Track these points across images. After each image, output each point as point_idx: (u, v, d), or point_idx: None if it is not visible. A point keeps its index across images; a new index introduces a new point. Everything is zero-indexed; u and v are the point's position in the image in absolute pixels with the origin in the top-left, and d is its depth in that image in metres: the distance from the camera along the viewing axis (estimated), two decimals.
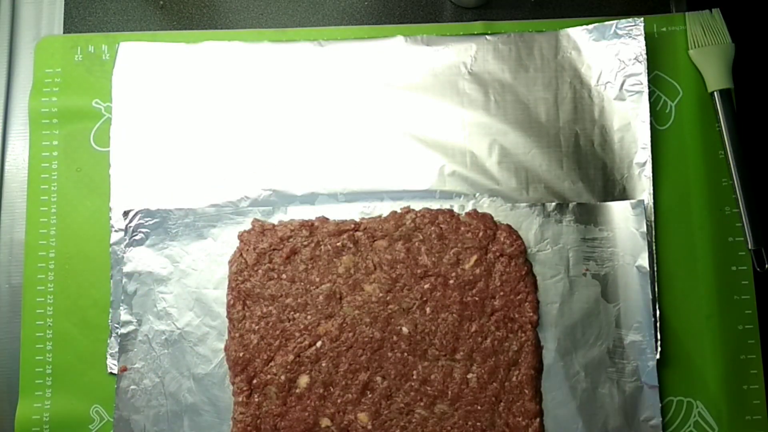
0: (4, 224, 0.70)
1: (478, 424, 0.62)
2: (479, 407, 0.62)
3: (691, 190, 0.68)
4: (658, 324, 0.65)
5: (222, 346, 0.64)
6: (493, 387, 0.62)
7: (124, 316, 0.65)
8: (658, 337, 0.64)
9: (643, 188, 0.67)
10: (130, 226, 0.67)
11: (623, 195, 0.67)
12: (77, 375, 0.66)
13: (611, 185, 0.68)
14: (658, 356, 0.64)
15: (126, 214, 0.67)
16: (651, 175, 0.67)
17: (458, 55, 0.71)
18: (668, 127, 0.70)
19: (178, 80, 0.71)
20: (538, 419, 0.62)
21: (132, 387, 0.64)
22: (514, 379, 0.63)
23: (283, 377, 0.63)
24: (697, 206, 0.68)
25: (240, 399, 0.62)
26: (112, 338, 0.66)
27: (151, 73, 0.71)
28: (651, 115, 0.68)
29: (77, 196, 0.69)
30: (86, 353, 0.66)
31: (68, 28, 0.74)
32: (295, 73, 0.70)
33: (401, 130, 0.69)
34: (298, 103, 0.70)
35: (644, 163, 0.68)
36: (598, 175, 0.68)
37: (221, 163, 0.69)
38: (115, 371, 0.64)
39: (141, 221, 0.67)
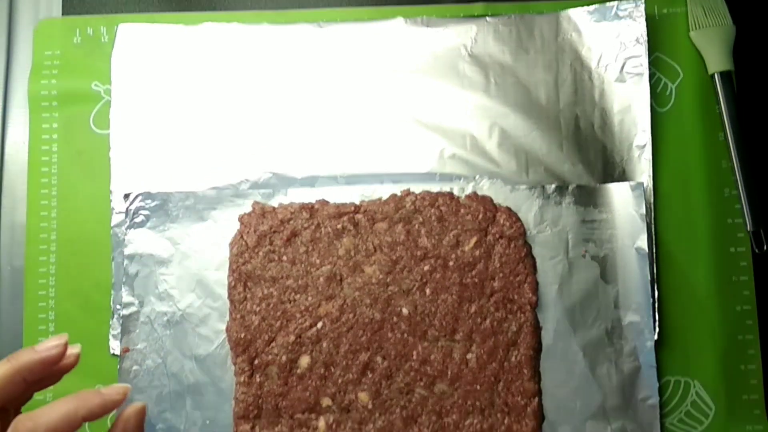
0: (5, 207, 0.70)
1: (477, 403, 0.62)
2: (478, 387, 0.63)
3: (690, 172, 0.68)
4: (656, 305, 0.65)
5: (223, 327, 0.65)
6: (492, 367, 0.63)
7: (126, 297, 0.66)
8: (656, 317, 0.65)
9: (643, 170, 0.67)
10: (131, 209, 0.67)
11: (623, 177, 0.67)
12: (80, 356, 0.66)
13: (611, 167, 0.68)
14: (656, 337, 0.64)
15: (126, 196, 0.67)
16: (651, 157, 0.67)
17: (458, 36, 0.71)
18: (668, 109, 0.70)
19: (178, 62, 0.71)
20: (536, 398, 0.62)
21: (134, 367, 0.64)
22: (513, 359, 0.63)
23: (284, 358, 0.63)
24: (697, 188, 0.68)
25: (242, 379, 0.63)
26: (114, 319, 0.66)
27: (150, 55, 0.71)
28: (651, 98, 0.68)
29: (78, 178, 0.69)
30: (89, 334, 0.66)
31: (66, 11, 0.74)
32: (295, 55, 0.70)
33: (401, 112, 0.69)
34: (297, 85, 0.70)
35: (644, 146, 0.68)
36: (598, 158, 0.68)
37: (221, 145, 0.69)
38: (118, 352, 0.65)
39: (141, 204, 0.67)
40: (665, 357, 0.65)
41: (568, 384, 0.63)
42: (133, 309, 0.65)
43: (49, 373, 0.50)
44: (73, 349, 0.50)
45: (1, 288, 0.69)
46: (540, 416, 0.62)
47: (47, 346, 0.49)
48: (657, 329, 0.64)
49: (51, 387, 0.64)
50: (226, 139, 0.69)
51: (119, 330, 0.65)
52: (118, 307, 0.66)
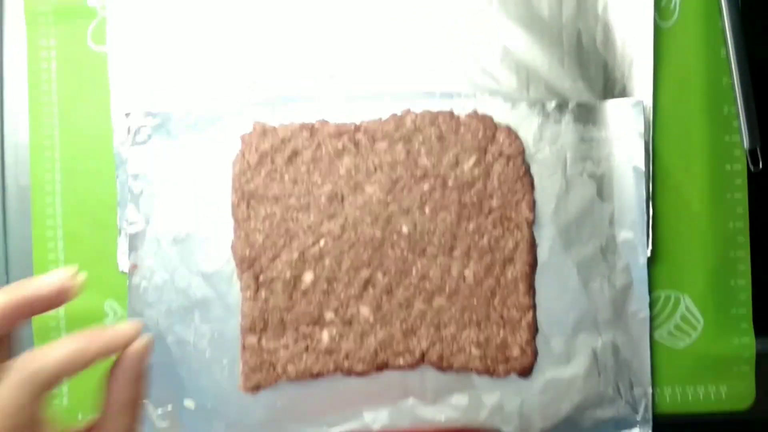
0: (7, 127, 0.70)
1: (474, 316, 0.65)
2: (475, 301, 0.65)
3: (690, 89, 0.68)
4: (650, 222, 0.66)
5: (228, 244, 0.66)
6: (488, 282, 0.65)
7: (132, 215, 0.67)
8: (650, 234, 0.66)
9: (644, 87, 0.67)
10: (132, 127, 0.67)
11: (623, 94, 0.67)
12: (89, 273, 0.65)
13: (611, 84, 0.68)
14: (649, 254, 0.66)
15: (127, 115, 0.67)
16: (652, 74, 0.67)
17: None
18: (672, 24, 0.69)
19: None
20: (531, 312, 0.65)
21: (143, 283, 0.66)
22: (509, 275, 0.65)
23: (288, 274, 0.65)
24: (696, 105, 0.68)
25: (247, 294, 0.65)
26: (122, 237, 0.68)
27: None
28: (655, 11, 0.67)
29: (78, 96, 0.69)
30: (97, 251, 0.68)
31: None
32: None
33: (400, 29, 0.68)
34: (294, 2, 0.69)
35: (646, 62, 0.67)
36: (599, 74, 0.68)
37: (221, 62, 0.68)
38: (127, 269, 0.67)
39: (143, 122, 0.67)
40: (657, 272, 0.67)
41: (562, 298, 0.66)
42: (139, 227, 0.67)
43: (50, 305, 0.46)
44: (77, 279, 0.46)
45: (8, 206, 0.70)
46: (534, 329, 0.65)
47: (51, 281, 0.45)
48: (650, 246, 0.66)
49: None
50: (227, 56, 0.68)
51: (127, 247, 0.67)
52: (124, 224, 0.67)
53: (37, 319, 0.67)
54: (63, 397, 0.68)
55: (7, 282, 0.69)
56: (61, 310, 0.68)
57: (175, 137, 0.67)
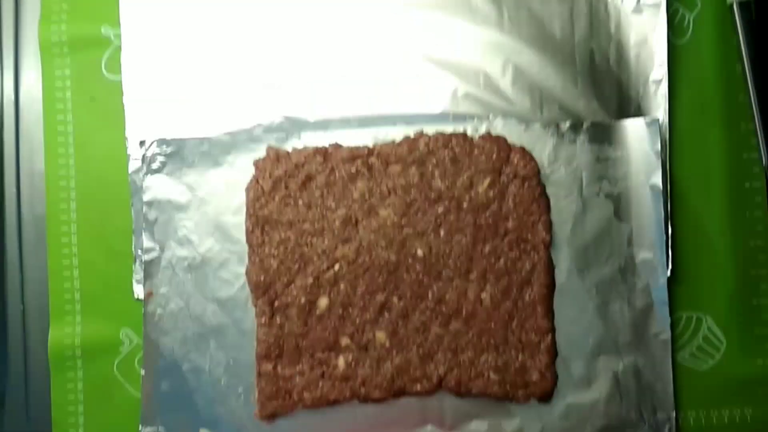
0: (23, 156, 0.71)
1: (492, 340, 0.64)
2: (492, 325, 0.64)
3: (707, 107, 0.68)
4: (669, 242, 0.65)
5: (243, 270, 0.66)
6: (506, 305, 0.64)
7: (147, 243, 0.67)
8: (670, 254, 0.65)
9: (659, 105, 0.67)
10: (147, 155, 0.67)
11: (638, 113, 0.67)
12: (105, 300, 0.68)
13: (626, 103, 0.67)
14: (669, 273, 0.65)
15: (142, 143, 0.68)
16: (667, 92, 0.67)
17: None
18: (686, 41, 0.68)
19: (188, 3, 0.69)
20: (550, 335, 0.64)
21: (159, 311, 0.66)
22: (526, 297, 0.64)
23: (303, 299, 0.65)
24: (713, 123, 0.68)
25: (262, 320, 0.65)
26: (137, 264, 0.67)
27: None
28: (668, 29, 0.67)
29: (93, 125, 0.70)
30: (112, 279, 0.68)
31: None
32: None
33: (413, 51, 0.68)
34: (308, 26, 0.69)
35: (660, 80, 0.67)
36: (613, 93, 0.67)
37: (234, 89, 0.69)
38: (142, 297, 0.67)
39: (157, 150, 0.67)
40: (677, 293, 0.66)
41: (581, 321, 0.65)
42: (154, 254, 0.67)
43: None
44: None
45: (24, 236, 0.70)
46: (553, 352, 0.64)
47: None
48: (670, 266, 0.65)
49: (79, 331, 0.67)
50: (239, 82, 0.69)
51: (142, 275, 0.67)
52: (139, 252, 0.67)
53: (53, 348, 0.67)
54: (79, 428, 0.68)
55: (24, 311, 0.69)
56: (76, 339, 0.68)
57: (190, 164, 0.67)
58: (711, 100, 0.68)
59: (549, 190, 0.66)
